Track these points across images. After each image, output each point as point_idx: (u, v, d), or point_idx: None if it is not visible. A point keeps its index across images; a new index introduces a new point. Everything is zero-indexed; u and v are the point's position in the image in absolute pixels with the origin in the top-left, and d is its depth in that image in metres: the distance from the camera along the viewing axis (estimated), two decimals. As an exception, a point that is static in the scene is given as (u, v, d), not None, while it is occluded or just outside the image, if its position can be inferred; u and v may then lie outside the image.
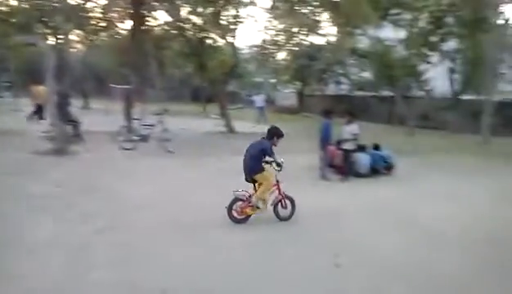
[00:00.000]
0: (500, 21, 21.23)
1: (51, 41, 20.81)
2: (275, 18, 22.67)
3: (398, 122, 25.08)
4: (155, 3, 19.74)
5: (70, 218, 6.84)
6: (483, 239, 6.59)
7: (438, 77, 26.93)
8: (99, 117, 22.27)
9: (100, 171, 10.50)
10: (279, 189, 7.10)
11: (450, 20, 23.01)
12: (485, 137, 19.49)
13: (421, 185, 10.44)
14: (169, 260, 5.38)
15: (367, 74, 30.94)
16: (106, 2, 20.12)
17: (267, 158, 6.97)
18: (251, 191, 7.02)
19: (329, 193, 9.29)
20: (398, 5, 22.95)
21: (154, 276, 4.95)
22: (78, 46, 30.93)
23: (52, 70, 12.38)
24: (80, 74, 32.22)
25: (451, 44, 25.01)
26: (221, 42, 23.41)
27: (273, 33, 24.15)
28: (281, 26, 23.43)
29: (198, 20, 22.03)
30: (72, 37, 25.50)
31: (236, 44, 23.11)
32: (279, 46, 25.89)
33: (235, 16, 20.94)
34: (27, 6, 18.03)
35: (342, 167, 10.82)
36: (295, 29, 23.30)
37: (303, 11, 20.97)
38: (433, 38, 23.32)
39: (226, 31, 21.35)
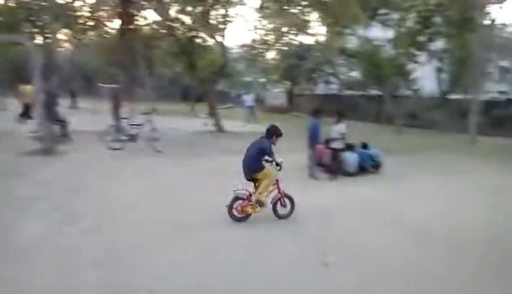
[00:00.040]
0: (487, 21, 21.47)
1: (39, 40, 20.62)
2: (264, 17, 22.65)
3: (387, 121, 25.28)
4: (144, 2, 19.64)
5: (57, 219, 6.79)
6: (470, 238, 6.66)
7: (426, 76, 27.22)
8: (87, 116, 22.10)
9: (87, 172, 10.43)
10: (278, 188, 7.17)
11: (437, 19, 23.25)
12: (472, 136, 19.73)
13: (408, 184, 10.55)
14: (156, 260, 5.37)
15: (356, 74, 31.15)
16: (94, 1, 19.96)
17: (267, 158, 7.04)
18: (251, 189, 7.08)
19: (317, 192, 9.34)
20: (386, 5, 23.15)
21: (141, 276, 4.93)
22: (66, 45, 30.68)
23: (39, 69, 12.26)
24: (68, 74, 31.94)
25: (439, 44, 25.28)
26: (210, 41, 23.36)
27: (262, 32, 24.14)
28: (271, 26, 23.43)
29: (187, 20, 21.99)
30: (60, 36, 25.32)
31: (226, 43, 23.10)
32: (268, 45, 25.90)
33: (225, 16, 20.91)
34: (14, 4, 17.84)
35: (330, 165, 10.88)
36: (284, 29, 23.31)
37: (292, 10, 21.00)
38: (421, 38, 23.55)
39: (215, 30, 21.30)
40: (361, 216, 7.66)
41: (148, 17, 21.88)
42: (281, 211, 7.21)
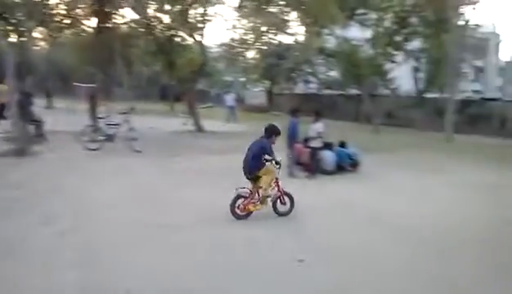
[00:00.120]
0: (461, 22, 21.93)
1: (13, 38, 20.17)
2: (243, 17, 22.63)
3: (365, 120, 25.59)
4: (121, 0, 19.41)
5: (31, 221, 6.64)
6: (446, 234, 6.76)
7: (403, 76, 27.69)
8: (63, 116, 21.68)
9: (63, 172, 10.24)
10: (278, 186, 7.28)
11: (414, 20, 23.68)
12: (448, 134, 20.13)
13: (386, 182, 10.68)
14: (134, 261, 5.31)
15: (335, 73, 31.46)
16: (70, -1, 19.64)
17: (267, 157, 7.14)
18: (251, 187, 7.16)
19: (296, 191, 9.32)
20: (364, 5, 23.42)
21: (119, 276, 4.87)
22: (42, 43, 30.14)
23: (14, 68, 11.99)
24: (43, 73, 31.47)
25: (416, 44, 25.78)
26: (189, 40, 23.22)
27: (242, 31, 24.11)
28: (250, 25, 23.43)
29: (166, 18, 21.82)
30: (35, 34, 24.85)
31: (205, 42, 22.99)
32: (248, 44, 25.89)
33: (203, 14, 20.80)
34: (-14, 1, 17.39)
35: (309, 164, 10.94)
36: (264, 28, 23.34)
37: (271, 10, 21.05)
38: (398, 38, 23.98)
39: (194, 29, 21.19)
40: (339, 214, 7.71)
41: (126, 15, 21.66)
42: (281, 208, 7.35)
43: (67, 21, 21.08)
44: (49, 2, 19.53)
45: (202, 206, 7.78)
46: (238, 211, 7.01)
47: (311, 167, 10.88)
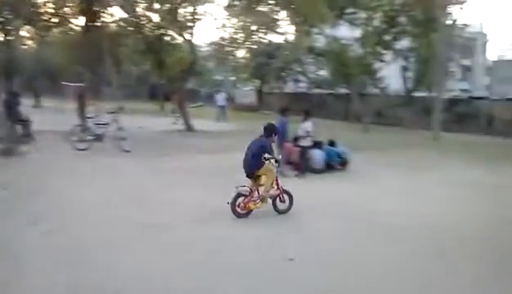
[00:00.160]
0: (449, 22, 22.13)
1: (0, 37, 19.95)
2: (233, 15, 22.59)
3: (354, 119, 25.71)
4: (109, -1, 19.29)
5: (19, 221, 6.58)
6: (434, 232, 6.81)
7: (392, 75, 27.86)
8: (51, 116, 21.48)
9: (51, 172, 10.16)
10: (277, 184, 7.38)
11: (403, 19, 23.83)
12: (436, 133, 20.30)
13: (374, 180, 10.75)
14: (122, 260, 5.29)
15: (324, 72, 31.54)
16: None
17: (266, 155, 7.23)
18: (250, 185, 7.22)
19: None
20: (354, 4, 23.52)
21: (107, 276, 4.85)
22: (29, 42, 29.81)
23: (0, 67, 11.85)
24: (31, 72, 31.12)
25: (404, 43, 25.93)
26: (179, 39, 23.15)
27: (232, 30, 24.09)
28: (240, 24, 23.41)
29: (155, 17, 21.73)
30: (22, 33, 24.58)
31: (195, 41, 22.91)
32: (238, 43, 25.87)
33: (193, 13, 20.75)
34: (-28, 0, 17.17)
35: (299, 163, 10.98)
36: (254, 27, 23.33)
37: (261, 9, 21.06)
38: (387, 37, 24.11)
39: (183, 28, 21.12)
40: (328, 213, 7.72)
41: (115, 14, 21.51)
42: (280, 206, 7.46)
43: (55, 20, 20.88)
44: (36, 1, 19.33)
45: (191, 205, 7.78)
46: (239, 210, 7.08)
47: (300, 165, 10.92)
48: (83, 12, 18.80)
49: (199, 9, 20.87)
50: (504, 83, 34.73)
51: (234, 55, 31.28)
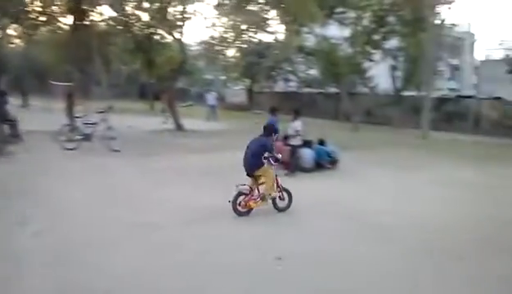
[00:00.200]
0: (437, 21, 22.33)
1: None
2: (222, 15, 22.55)
3: (344, 118, 25.82)
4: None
5: (7, 221, 6.54)
6: (422, 231, 6.86)
7: (381, 74, 28.01)
8: (39, 115, 21.30)
9: (39, 172, 10.07)
10: (277, 182, 7.52)
11: (392, 19, 23.97)
12: (424, 132, 20.47)
13: (363, 179, 10.81)
14: (112, 260, 5.28)
15: (314, 72, 31.61)
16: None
17: (266, 154, 7.38)
18: (250, 184, 7.34)
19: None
20: (343, 4, 23.61)
21: (98, 276, 4.83)
22: (17, 41, 29.44)
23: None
24: (19, 71, 30.74)
25: (393, 42, 26.08)
26: (168, 38, 23.05)
27: (221, 29, 24.04)
28: (230, 23, 23.38)
29: (144, 16, 21.61)
30: (9, 31, 24.27)
31: (184, 40, 22.84)
32: (228, 43, 25.83)
33: (183, 12, 20.67)
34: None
35: (288, 162, 11.00)
36: (244, 26, 23.32)
37: (251, 8, 21.05)
38: (376, 37, 24.24)
39: (173, 27, 21.04)
40: (317, 212, 7.74)
41: (103, 13, 21.35)
42: (280, 204, 7.60)
43: (43, 18, 20.65)
44: (24, -1, 19.13)
45: (181, 205, 7.77)
46: (239, 208, 7.16)
47: (290, 164, 10.95)
48: (71, 11, 18.63)
49: (189, 8, 20.80)
50: (491, 83, 35.06)
51: (224, 55, 31.19)
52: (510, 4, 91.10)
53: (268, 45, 31.89)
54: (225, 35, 23.79)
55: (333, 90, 28.89)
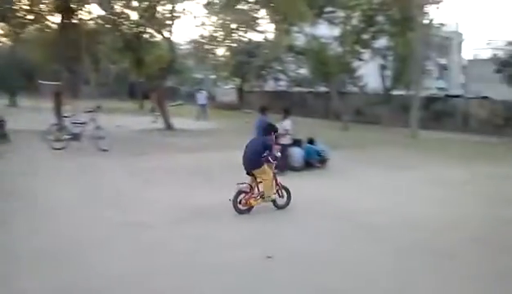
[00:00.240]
0: (426, 21, 22.50)
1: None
2: (212, 13, 22.50)
3: (334, 117, 25.90)
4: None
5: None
6: (413, 230, 6.88)
7: (371, 73, 28.18)
8: (27, 115, 21.10)
9: (27, 172, 9.96)
10: (276, 180, 7.68)
11: (381, 18, 24.12)
12: (413, 130, 20.62)
13: (352, 178, 10.86)
14: (102, 260, 5.24)
15: (304, 71, 31.69)
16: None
17: (266, 153, 7.53)
18: (250, 182, 7.47)
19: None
20: (332, 3, 23.70)
21: (85, 277, 4.80)
22: (4, 39, 29.09)
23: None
24: (6, 70, 30.40)
25: (382, 42, 26.25)
26: (158, 37, 22.95)
27: (211, 28, 24.00)
28: (219, 22, 23.35)
29: (133, 15, 21.47)
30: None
31: (174, 39, 22.77)
32: (217, 42, 25.80)
33: (172, 11, 20.58)
34: None
35: (278, 161, 10.99)
36: (233, 26, 23.30)
37: (241, 7, 21.03)
38: (366, 36, 24.39)
39: (162, 26, 20.95)
40: (307, 211, 7.75)
41: (92, 11, 21.18)
42: (279, 201, 7.73)
43: (30, 17, 20.44)
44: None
45: (171, 204, 7.74)
46: (240, 206, 7.27)
47: (280, 163, 10.92)
48: (59, 9, 18.46)
49: (178, 6, 20.72)
50: (478, 82, 35.49)
51: (214, 54, 31.18)
52: (498, 4, 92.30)
53: (258, 44, 31.90)
54: (215, 34, 23.76)
55: (323, 89, 28.97)
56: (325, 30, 25.18)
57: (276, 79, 37.84)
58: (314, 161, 11.75)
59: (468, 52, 65.05)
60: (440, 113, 24.67)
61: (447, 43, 44.01)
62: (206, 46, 26.09)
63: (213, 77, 43.95)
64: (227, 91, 40.79)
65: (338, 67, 23.84)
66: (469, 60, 47.16)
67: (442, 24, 27.33)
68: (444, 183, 10.49)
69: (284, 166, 10.91)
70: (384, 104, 26.33)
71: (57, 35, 18.80)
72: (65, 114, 14.80)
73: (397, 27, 23.54)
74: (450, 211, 8.10)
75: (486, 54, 36.75)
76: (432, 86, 36.32)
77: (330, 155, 12.18)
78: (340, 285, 4.88)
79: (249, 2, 20.82)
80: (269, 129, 7.86)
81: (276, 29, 26.31)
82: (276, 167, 10.86)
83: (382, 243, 6.22)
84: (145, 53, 22.86)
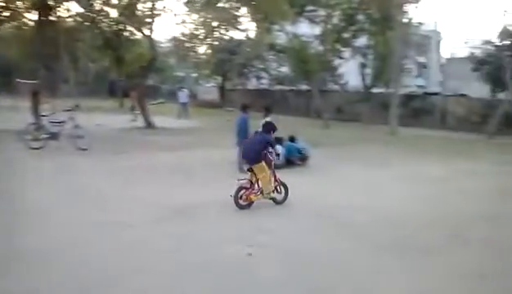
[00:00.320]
0: (405, 20, 22.83)
1: None
2: (193, 11, 22.39)
3: (315, 115, 26.09)
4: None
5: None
6: (391, 227, 6.97)
7: (351, 71, 28.46)
8: (4, 114, 20.64)
9: (2, 173, 9.79)
10: (275, 176, 7.85)
11: (361, 17, 24.40)
12: (392, 128, 20.92)
13: (333, 176, 10.95)
14: (83, 260, 5.18)
15: (285, 69, 31.82)
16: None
17: (266, 150, 7.72)
18: (250, 178, 7.63)
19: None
20: (313, 2, 23.86)
21: (65, 277, 4.75)
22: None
23: None
24: (-19, 68, 29.72)
25: (363, 40, 26.54)
26: (138, 34, 22.75)
27: (192, 26, 23.88)
28: (200, 20, 23.25)
29: (112, 12, 21.26)
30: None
31: (154, 37, 22.59)
32: (199, 40, 25.70)
33: (152, 8, 20.41)
34: None
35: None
36: (214, 23, 23.23)
37: (222, 5, 20.99)
38: (346, 35, 24.65)
39: (142, 23, 20.76)
40: (288, 208, 7.80)
41: (70, 9, 20.85)
42: (277, 197, 7.91)
43: (6, 14, 20.00)
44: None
45: (152, 203, 7.69)
46: (241, 202, 7.43)
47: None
48: (36, 6, 18.12)
49: (158, 4, 20.58)
50: (456, 80, 36.11)
51: (195, 52, 31.04)
52: (475, 4, 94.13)
53: (240, 42, 31.92)
54: (196, 32, 23.67)
55: (304, 87, 29.15)
56: (306, 29, 25.34)
57: (258, 77, 37.92)
58: (295, 158, 11.82)
59: (446, 51, 66.27)
60: (419, 111, 25.09)
61: (426, 42, 44.64)
62: (187, 44, 25.99)
63: (194, 75, 43.75)
64: (209, 90, 40.66)
65: (319, 65, 24.02)
66: (447, 59, 47.88)
67: (420, 23, 27.76)
68: (424, 180, 10.66)
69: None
70: (364, 102, 26.63)
71: (35, 33, 18.49)
72: (43, 113, 14.54)
73: (377, 26, 23.86)
74: (430, 207, 8.21)
75: (463, 52, 37.33)
76: (411, 84, 36.84)
77: (311, 153, 12.27)
78: (320, 283, 4.92)
79: (230, 0, 20.79)
80: (268, 127, 8.03)
81: (257, 28, 26.36)
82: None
83: (362, 240, 6.27)
84: (125, 51, 22.70)
